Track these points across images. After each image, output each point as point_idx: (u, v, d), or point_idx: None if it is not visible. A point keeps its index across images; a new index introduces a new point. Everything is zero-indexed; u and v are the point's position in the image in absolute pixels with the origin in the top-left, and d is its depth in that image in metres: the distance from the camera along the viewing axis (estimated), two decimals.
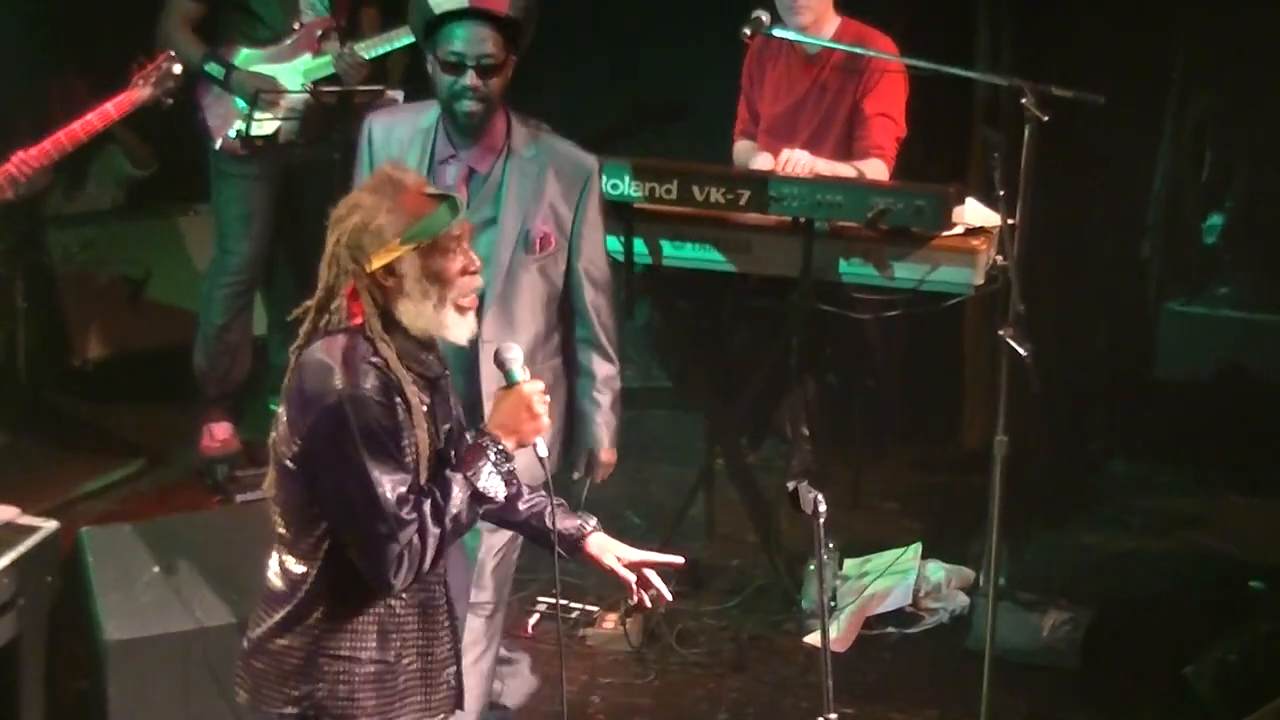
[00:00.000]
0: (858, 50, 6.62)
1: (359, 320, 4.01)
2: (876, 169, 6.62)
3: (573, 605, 6.59)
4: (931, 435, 8.09)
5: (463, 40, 5.14)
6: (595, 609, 6.52)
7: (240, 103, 7.33)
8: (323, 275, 4.04)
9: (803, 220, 6.37)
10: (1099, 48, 7.65)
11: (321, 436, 3.95)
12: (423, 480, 4.02)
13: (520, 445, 4.11)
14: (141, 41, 7.02)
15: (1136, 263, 8.23)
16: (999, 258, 6.11)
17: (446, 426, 4.15)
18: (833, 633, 6.33)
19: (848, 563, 6.90)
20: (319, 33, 7.48)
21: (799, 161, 6.49)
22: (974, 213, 6.44)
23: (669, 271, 6.60)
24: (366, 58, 7.38)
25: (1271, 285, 8.27)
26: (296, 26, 7.47)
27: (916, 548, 6.93)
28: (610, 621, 6.44)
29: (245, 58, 7.41)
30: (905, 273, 6.34)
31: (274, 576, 4.14)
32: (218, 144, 7.45)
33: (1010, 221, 5.85)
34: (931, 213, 6.25)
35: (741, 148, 6.99)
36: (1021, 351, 5.59)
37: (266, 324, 8.41)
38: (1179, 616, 6.71)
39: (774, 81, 6.89)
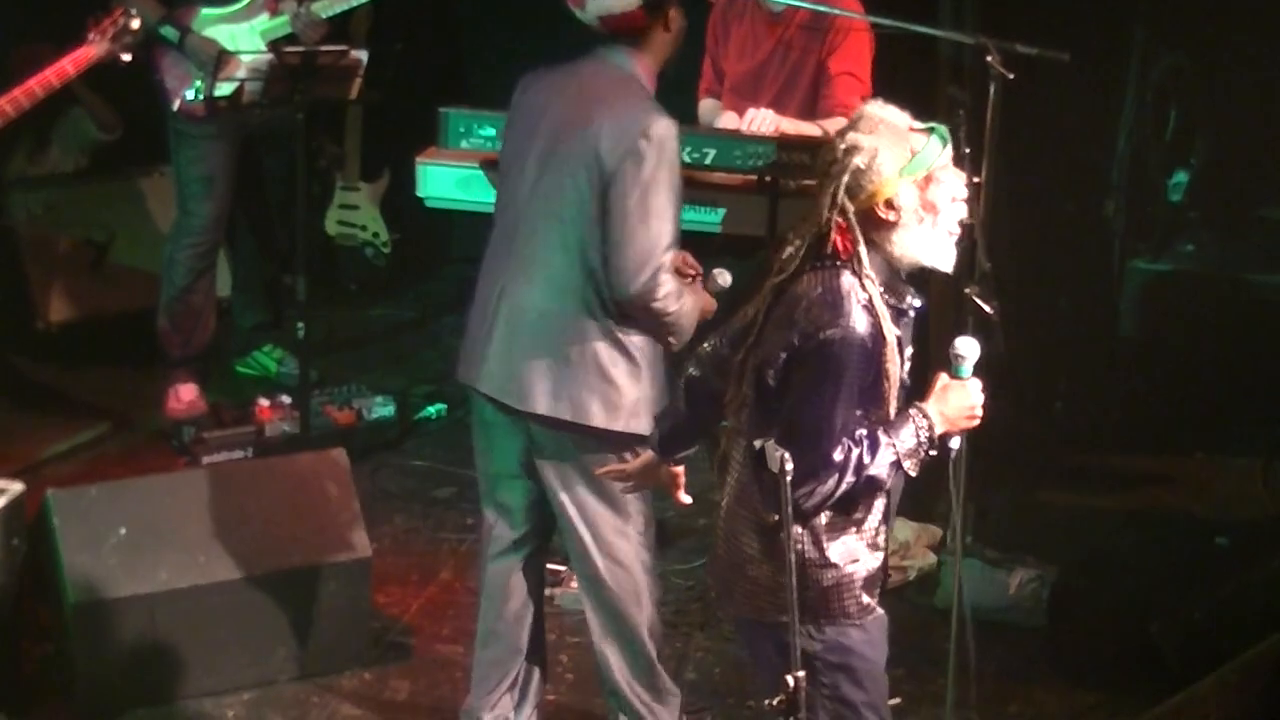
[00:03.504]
0: (822, 9, 6.61)
1: (846, 254, 4.20)
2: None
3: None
4: None
5: None
6: (563, 569, 6.50)
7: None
8: (820, 212, 4.23)
9: (768, 179, 6.36)
10: (1063, 4, 7.64)
11: (807, 366, 4.19)
12: (893, 409, 4.26)
13: (948, 434, 4.34)
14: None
15: (1101, 220, 8.23)
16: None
17: (909, 352, 4.32)
18: None
19: None
20: None
21: (764, 120, 6.48)
22: None
23: None
24: (324, 17, 7.36)
25: (1236, 243, 8.28)
26: None
27: None
28: (577, 582, 6.42)
29: (203, 19, 7.37)
30: None
31: (751, 497, 4.33)
32: (175, 106, 7.42)
33: (975, 180, 5.85)
34: None
35: (706, 106, 6.97)
36: (987, 309, 5.60)
37: (230, 286, 8.39)
38: (1145, 574, 6.71)
39: (739, 40, 6.87)
